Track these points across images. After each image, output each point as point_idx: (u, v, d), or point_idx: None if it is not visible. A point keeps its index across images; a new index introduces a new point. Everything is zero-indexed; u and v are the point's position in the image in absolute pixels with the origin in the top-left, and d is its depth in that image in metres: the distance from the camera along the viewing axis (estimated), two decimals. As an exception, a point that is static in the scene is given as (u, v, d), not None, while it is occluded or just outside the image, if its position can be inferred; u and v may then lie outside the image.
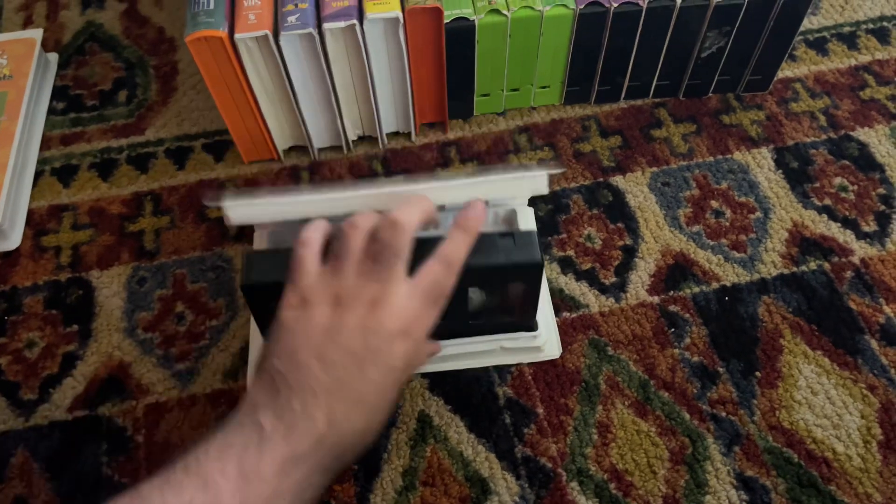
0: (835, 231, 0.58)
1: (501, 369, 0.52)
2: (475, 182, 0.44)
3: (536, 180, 0.45)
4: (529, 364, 0.52)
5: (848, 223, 0.58)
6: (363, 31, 0.53)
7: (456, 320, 0.44)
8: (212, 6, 0.52)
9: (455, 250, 0.40)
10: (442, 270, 0.40)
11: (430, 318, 0.40)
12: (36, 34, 0.67)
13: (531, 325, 0.50)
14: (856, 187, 0.60)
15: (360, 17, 0.53)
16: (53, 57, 0.69)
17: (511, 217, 0.47)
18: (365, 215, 0.41)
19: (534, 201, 0.58)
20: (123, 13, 0.73)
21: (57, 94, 0.67)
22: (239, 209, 0.44)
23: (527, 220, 0.52)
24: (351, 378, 0.37)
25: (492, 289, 0.48)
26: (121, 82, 0.68)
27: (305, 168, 0.62)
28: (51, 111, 0.66)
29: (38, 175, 0.62)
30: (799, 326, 0.53)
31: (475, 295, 0.48)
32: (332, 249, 0.40)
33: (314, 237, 0.40)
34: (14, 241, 0.58)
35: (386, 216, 0.39)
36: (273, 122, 0.59)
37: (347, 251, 0.39)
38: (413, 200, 0.41)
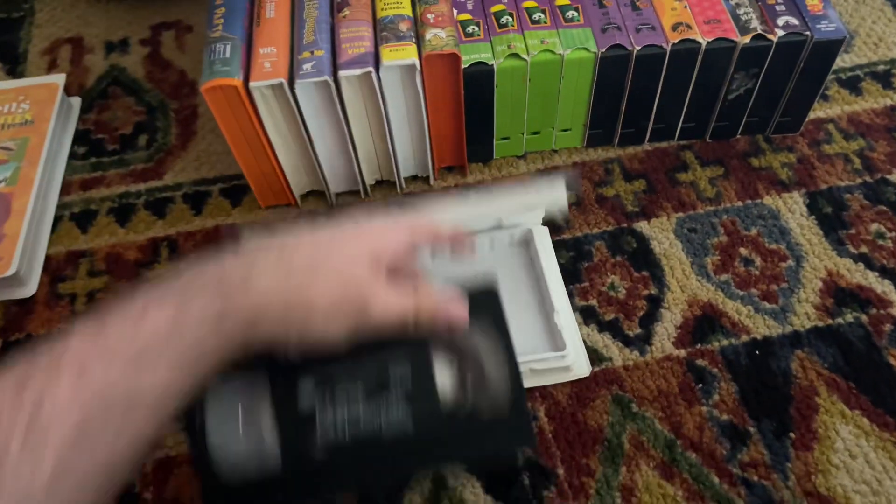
0: (872, 281, 0.55)
1: (520, 426, 0.50)
2: (489, 202, 0.44)
3: (554, 194, 0.45)
4: (549, 421, 0.50)
5: (886, 272, 0.55)
6: (379, 78, 0.52)
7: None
8: (228, 54, 0.52)
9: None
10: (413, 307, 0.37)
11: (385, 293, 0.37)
12: (58, 79, 0.67)
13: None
14: (894, 234, 0.57)
15: (377, 64, 0.52)
16: (76, 101, 0.70)
17: (528, 237, 0.48)
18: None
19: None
20: (146, 57, 0.74)
21: (79, 138, 0.68)
22: None
23: (543, 241, 0.53)
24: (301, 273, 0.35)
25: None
26: (141, 126, 0.68)
27: (322, 213, 0.61)
28: (72, 155, 0.66)
29: (57, 220, 0.62)
30: (835, 383, 0.50)
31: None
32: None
33: None
34: (31, 288, 0.58)
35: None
36: (290, 168, 0.58)
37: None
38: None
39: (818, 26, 0.55)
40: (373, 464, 0.38)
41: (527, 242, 0.49)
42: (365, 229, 0.38)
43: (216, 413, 0.38)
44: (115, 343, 0.31)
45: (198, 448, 0.37)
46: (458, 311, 0.39)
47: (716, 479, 0.47)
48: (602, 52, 0.55)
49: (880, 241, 0.57)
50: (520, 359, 0.40)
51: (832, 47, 0.55)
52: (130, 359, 0.30)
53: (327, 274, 0.35)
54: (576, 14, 0.57)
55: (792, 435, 0.49)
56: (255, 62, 0.52)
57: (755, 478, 0.47)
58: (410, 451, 0.38)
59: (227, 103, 0.52)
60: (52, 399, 0.29)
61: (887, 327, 0.53)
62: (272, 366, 0.38)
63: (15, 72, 0.74)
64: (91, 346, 0.30)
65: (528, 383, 0.50)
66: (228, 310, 0.33)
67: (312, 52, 0.52)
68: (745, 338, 0.53)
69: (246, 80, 0.51)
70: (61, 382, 0.29)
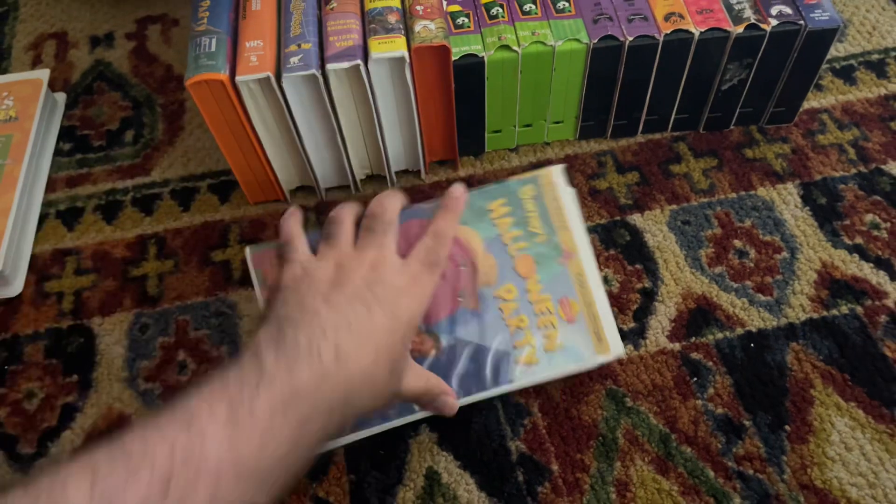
0: (867, 272, 0.54)
1: (514, 422, 0.49)
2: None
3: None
4: (543, 417, 0.49)
5: (881, 263, 0.55)
6: (368, 71, 0.51)
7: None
8: (213, 48, 0.51)
9: (443, 226, 0.44)
10: (433, 241, 0.43)
11: (429, 281, 0.42)
12: (42, 74, 0.66)
13: None
14: (888, 224, 0.57)
15: (365, 56, 0.51)
16: (61, 97, 0.69)
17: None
18: (348, 204, 0.44)
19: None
20: (132, 51, 0.73)
21: (64, 134, 0.67)
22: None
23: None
24: (358, 317, 0.37)
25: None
26: (128, 122, 0.67)
27: (312, 208, 0.61)
28: (57, 152, 0.65)
29: (42, 218, 0.61)
30: (830, 376, 0.50)
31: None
32: (322, 236, 0.43)
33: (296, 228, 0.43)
34: (16, 287, 0.57)
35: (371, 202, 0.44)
36: (278, 163, 0.58)
37: (339, 227, 0.42)
38: (389, 193, 0.45)
39: (812, 15, 0.54)
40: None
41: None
42: (416, 290, 0.41)
43: None
44: (246, 459, 0.31)
45: None
46: (453, 404, 0.44)
47: (711, 473, 0.47)
48: (594, 44, 0.54)
49: (875, 232, 0.56)
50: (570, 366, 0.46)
51: (826, 36, 0.55)
52: (257, 481, 0.31)
53: (388, 318, 0.39)
54: (567, 5, 0.56)
55: (787, 428, 0.48)
56: (241, 56, 0.51)
57: (751, 471, 0.47)
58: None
59: (213, 98, 0.51)
60: None
61: (882, 318, 0.52)
62: None
63: (-1, 67, 0.73)
64: (228, 456, 0.30)
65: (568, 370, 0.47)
66: (335, 424, 0.36)
67: (300, 45, 0.51)
68: (739, 331, 0.52)
69: (232, 74, 0.50)
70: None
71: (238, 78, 0.50)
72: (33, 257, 0.59)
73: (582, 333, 0.46)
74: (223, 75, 0.50)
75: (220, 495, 0.29)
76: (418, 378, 0.42)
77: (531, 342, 0.46)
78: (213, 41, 0.51)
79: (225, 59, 0.51)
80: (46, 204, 0.62)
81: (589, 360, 0.46)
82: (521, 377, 0.45)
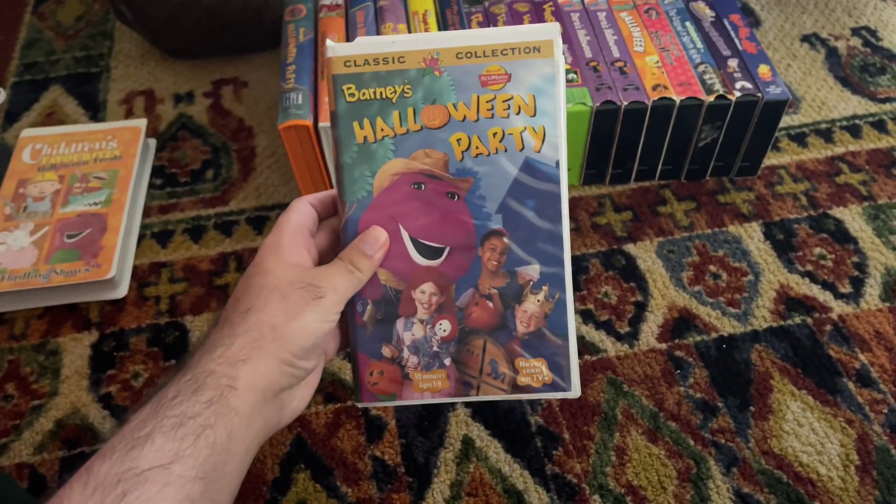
0: (816, 292, 0.68)
1: (533, 402, 0.61)
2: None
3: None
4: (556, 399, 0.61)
5: (827, 286, 0.68)
6: (421, 122, 0.65)
7: None
8: (300, 101, 0.65)
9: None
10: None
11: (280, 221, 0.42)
12: (141, 123, 0.80)
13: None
14: (833, 256, 0.70)
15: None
16: (152, 142, 0.82)
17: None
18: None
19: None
20: (209, 107, 0.87)
21: (156, 172, 0.80)
22: (341, 47, 0.40)
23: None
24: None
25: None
26: (208, 163, 0.81)
27: (364, 235, 0.74)
28: (151, 186, 0.79)
29: (140, 238, 0.74)
30: (786, 370, 0.62)
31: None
32: None
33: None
34: (122, 290, 0.69)
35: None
36: (340, 196, 0.71)
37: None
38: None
39: (768, 90, 0.69)
40: None
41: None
42: (272, 239, 0.42)
43: None
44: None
45: None
46: (376, 234, 0.41)
47: (691, 442, 0.59)
48: (596, 107, 0.69)
49: (822, 262, 0.70)
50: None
51: (779, 106, 0.69)
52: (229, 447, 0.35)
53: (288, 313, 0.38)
54: (575, 76, 0.71)
55: (752, 409, 0.60)
56: (321, 108, 0.65)
57: (723, 441, 0.59)
58: None
59: (297, 139, 0.65)
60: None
61: (827, 328, 0.65)
62: None
63: (96, 118, 0.86)
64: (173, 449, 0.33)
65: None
66: (284, 379, 0.38)
67: (367, 101, 0.65)
68: (714, 335, 0.65)
69: (315, 121, 0.64)
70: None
71: (320, 124, 0.64)
72: (135, 268, 0.71)
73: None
74: (308, 122, 0.64)
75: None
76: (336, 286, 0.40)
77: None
78: (300, 95, 0.65)
79: (309, 110, 0.65)
80: (143, 226, 0.75)
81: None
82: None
